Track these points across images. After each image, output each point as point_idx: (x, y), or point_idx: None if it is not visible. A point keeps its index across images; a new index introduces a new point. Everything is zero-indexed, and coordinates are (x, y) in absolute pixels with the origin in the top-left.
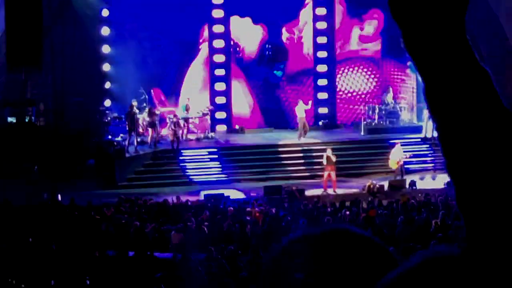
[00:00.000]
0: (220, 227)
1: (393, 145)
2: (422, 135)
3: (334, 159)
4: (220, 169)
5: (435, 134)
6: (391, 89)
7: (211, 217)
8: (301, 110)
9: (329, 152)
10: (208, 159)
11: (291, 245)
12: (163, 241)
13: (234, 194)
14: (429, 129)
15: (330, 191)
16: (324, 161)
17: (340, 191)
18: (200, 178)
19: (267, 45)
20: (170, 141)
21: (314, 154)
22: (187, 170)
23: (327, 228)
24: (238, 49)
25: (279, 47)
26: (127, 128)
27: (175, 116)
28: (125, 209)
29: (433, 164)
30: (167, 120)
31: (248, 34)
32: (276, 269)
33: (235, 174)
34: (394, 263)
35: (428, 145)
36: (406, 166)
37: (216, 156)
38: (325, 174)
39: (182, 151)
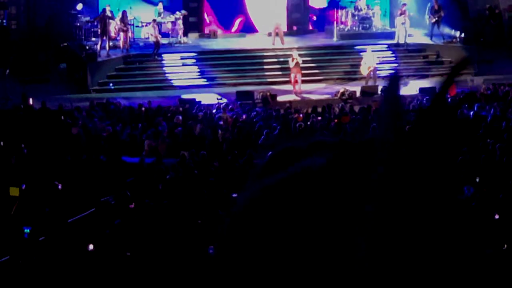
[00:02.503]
0: (192, 132)
1: (365, 51)
2: (394, 41)
3: (300, 61)
4: (196, 73)
5: (408, 40)
6: None
7: (183, 122)
8: (277, 15)
9: (295, 54)
10: (181, 64)
11: (277, 156)
12: (135, 145)
13: (208, 98)
14: (401, 36)
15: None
16: (291, 63)
17: (312, 96)
18: (173, 82)
19: None
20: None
21: (288, 59)
22: (162, 75)
23: (313, 140)
24: None
25: None
26: (99, 32)
27: (154, 21)
28: (97, 113)
29: (405, 71)
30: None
31: None
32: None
33: (210, 79)
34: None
35: (400, 51)
36: (378, 72)
37: (193, 61)
38: (292, 76)
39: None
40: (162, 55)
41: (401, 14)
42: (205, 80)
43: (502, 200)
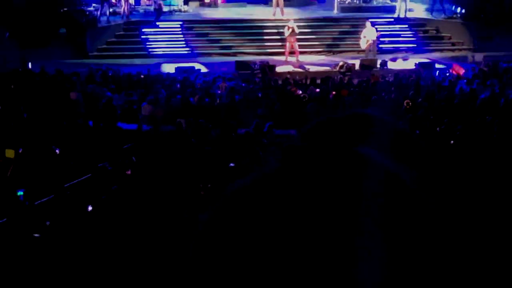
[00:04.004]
0: (190, 100)
1: (364, 24)
2: (395, 15)
3: (296, 30)
4: (195, 42)
5: (408, 14)
6: None
7: (181, 90)
8: None
9: (291, 23)
10: (180, 32)
11: (318, 126)
12: (133, 112)
13: (206, 67)
14: (402, 10)
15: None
16: (286, 32)
17: (311, 68)
18: (171, 51)
19: None
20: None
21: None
22: (161, 43)
23: (350, 112)
24: None
25: None
26: None
27: None
28: (96, 79)
29: (404, 45)
30: None
31: None
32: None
33: (207, 48)
34: (418, 145)
35: (400, 26)
36: (379, 46)
37: (192, 29)
38: (287, 44)
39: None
40: (162, 23)
41: None
42: (203, 49)
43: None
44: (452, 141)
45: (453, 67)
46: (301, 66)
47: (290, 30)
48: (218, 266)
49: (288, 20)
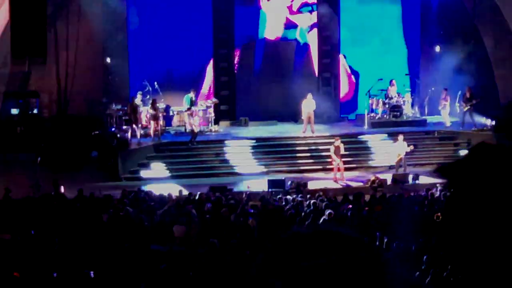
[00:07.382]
0: (222, 219)
1: (396, 139)
2: (448, 124)
3: (342, 149)
4: (226, 161)
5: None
6: (395, 82)
7: (213, 210)
8: (308, 104)
9: (337, 142)
10: (212, 152)
11: (283, 242)
12: (166, 233)
13: (239, 186)
14: (447, 119)
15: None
16: (332, 151)
17: (343, 184)
18: (204, 171)
19: None
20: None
21: (319, 147)
22: (193, 163)
23: (319, 228)
24: None
25: None
26: (130, 121)
27: (188, 109)
28: (128, 201)
29: (436, 158)
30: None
31: None
32: (267, 264)
33: (240, 167)
34: (381, 265)
35: (431, 139)
36: (409, 159)
37: (222, 149)
38: (334, 164)
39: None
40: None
41: (442, 99)
42: (235, 168)
43: None
44: None
45: None
46: (336, 182)
47: (335, 148)
48: None
49: (335, 138)
